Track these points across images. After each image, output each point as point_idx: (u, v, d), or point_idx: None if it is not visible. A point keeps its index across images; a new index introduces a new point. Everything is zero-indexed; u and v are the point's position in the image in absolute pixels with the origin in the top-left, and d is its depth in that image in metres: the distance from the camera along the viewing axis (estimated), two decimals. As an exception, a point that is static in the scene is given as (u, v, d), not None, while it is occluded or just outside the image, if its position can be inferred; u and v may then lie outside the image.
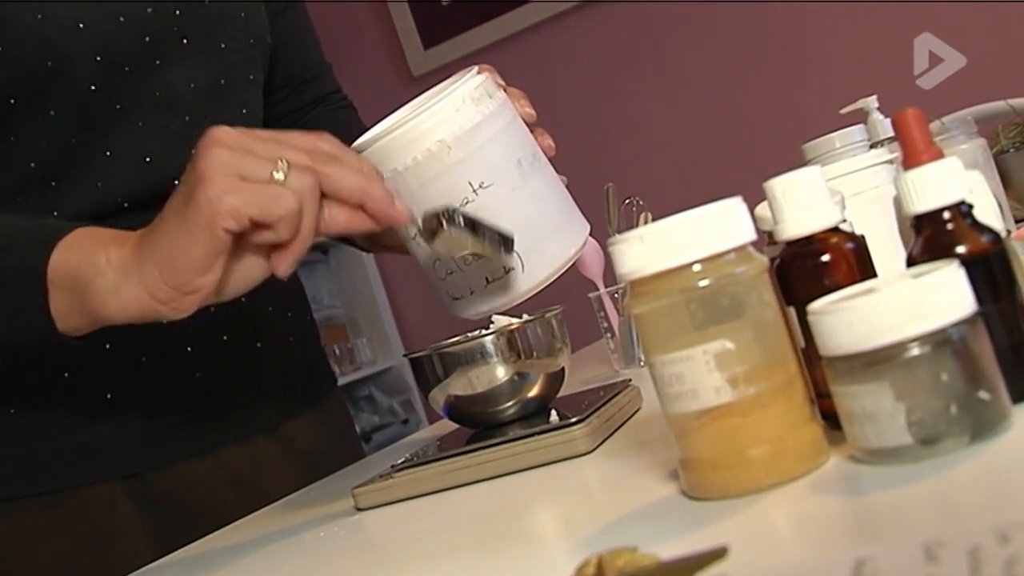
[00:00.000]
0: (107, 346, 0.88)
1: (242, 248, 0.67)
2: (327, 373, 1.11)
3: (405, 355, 0.88)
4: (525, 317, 0.84)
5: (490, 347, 0.82)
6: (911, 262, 0.56)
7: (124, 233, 0.71)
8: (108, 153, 0.87)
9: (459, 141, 0.70)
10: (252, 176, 0.65)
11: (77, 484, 0.89)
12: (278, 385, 1.01)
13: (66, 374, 0.88)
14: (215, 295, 0.68)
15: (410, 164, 0.71)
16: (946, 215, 0.56)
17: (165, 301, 0.67)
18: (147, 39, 0.88)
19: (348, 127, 0.95)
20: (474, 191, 0.70)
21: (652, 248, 0.53)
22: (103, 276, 0.69)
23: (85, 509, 0.89)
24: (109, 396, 0.90)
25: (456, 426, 0.89)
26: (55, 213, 0.85)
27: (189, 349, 0.93)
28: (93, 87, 0.85)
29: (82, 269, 0.70)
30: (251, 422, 0.98)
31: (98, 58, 0.85)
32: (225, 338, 0.96)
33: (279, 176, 0.65)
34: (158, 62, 0.89)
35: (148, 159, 0.88)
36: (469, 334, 0.84)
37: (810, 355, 0.56)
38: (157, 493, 0.92)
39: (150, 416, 0.92)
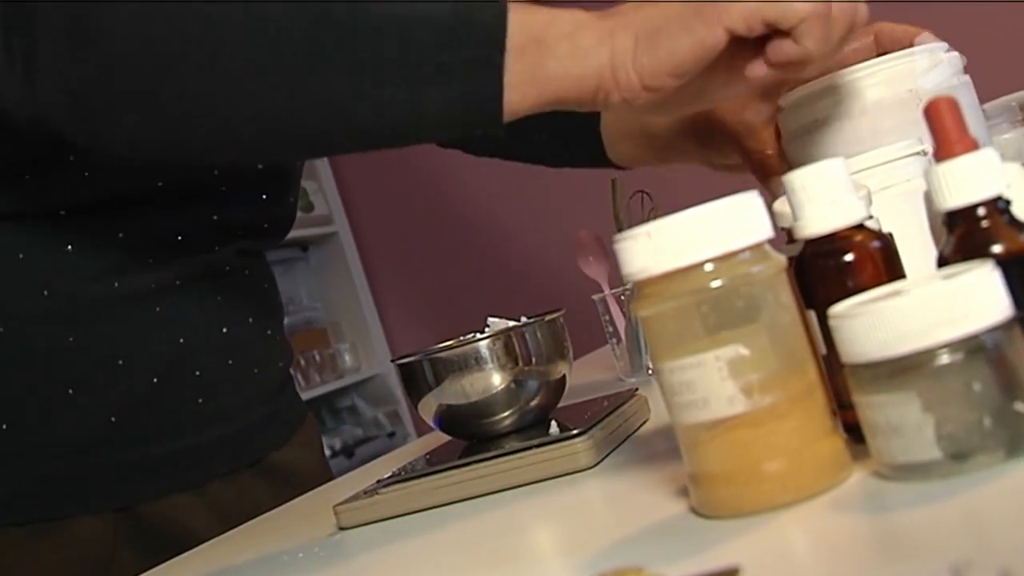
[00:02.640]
0: (120, 362, 0.88)
1: (726, 61, 0.66)
2: (298, 397, 1.12)
3: (392, 361, 0.88)
4: (524, 320, 0.85)
5: (486, 352, 0.82)
6: (943, 262, 0.57)
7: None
8: None
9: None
10: None
11: (69, 514, 0.87)
12: (264, 415, 1.02)
13: (70, 390, 0.86)
14: (670, 103, 0.68)
15: (869, 106, 0.72)
16: (981, 211, 0.56)
17: (623, 85, 0.66)
18: None
19: None
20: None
21: (661, 246, 0.53)
22: (571, 39, 0.66)
23: (76, 542, 0.87)
24: (113, 419, 0.88)
25: (447, 438, 0.90)
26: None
27: (198, 373, 0.93)
28: None
29: (548, 30, 0.67)
30: (236, 455, 0.99)
31: None
32: (230, 362, 0.96)
33: None
34: None
35: None
36: (463, 338, 0.84)
37: (831, 362, 0.57)
38: (150, 528, 0.92)
39: (146, 443, 0.91)
